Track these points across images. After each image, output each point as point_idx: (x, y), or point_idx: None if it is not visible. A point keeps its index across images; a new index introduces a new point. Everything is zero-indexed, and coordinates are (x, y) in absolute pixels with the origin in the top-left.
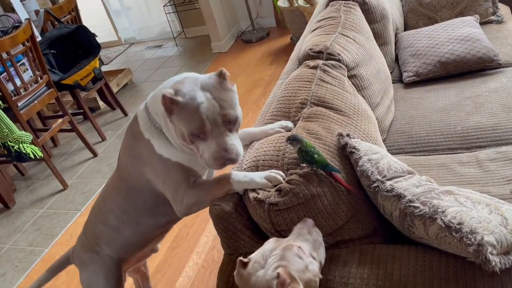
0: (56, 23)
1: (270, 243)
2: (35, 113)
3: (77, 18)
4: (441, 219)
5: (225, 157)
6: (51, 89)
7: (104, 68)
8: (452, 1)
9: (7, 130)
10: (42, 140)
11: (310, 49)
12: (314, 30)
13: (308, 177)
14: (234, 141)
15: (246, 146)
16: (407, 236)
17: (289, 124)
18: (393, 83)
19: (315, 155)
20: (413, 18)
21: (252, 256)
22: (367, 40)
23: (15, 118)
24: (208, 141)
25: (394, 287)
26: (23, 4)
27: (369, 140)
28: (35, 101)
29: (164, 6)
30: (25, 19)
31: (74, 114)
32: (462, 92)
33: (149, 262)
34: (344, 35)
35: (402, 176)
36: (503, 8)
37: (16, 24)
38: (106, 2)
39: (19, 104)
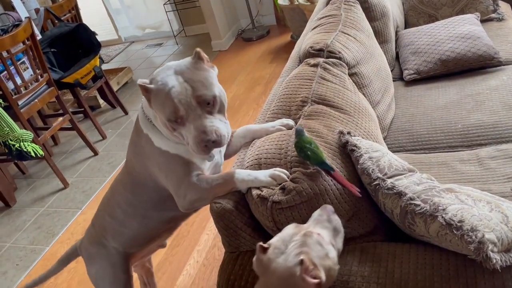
0: (56, 21)
1: (290, 228)
2: (36, 111)
3: (77, 16)
4: (442, 217)
5: (205, 139)
6: (52, 88)
7: (104, 67)
8: None
9: (7, 129)
10: (42, 138)
11: (311, 47)
12: (315, 28)
13: (312, 175)
14: (215, 122)
15: (247, 143)
16: (408, 234)
17: (290, 122)
18: (393, 81)
19: (309, 152)
20: (414, 16)
21: (272, 241)
22: (367, 38)
23: (15, 117)
24: (186, 126)
25: (395, 285)
26: (23, 3)
27: (370, 138)
28: (36, 100)
29: (164, 4)
30: (25, 18)
31: (74, 113)
32: (463, 90)
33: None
34: (345, 33)
35: (403, 174)
36: (503, 6)
37: (16, 23)
38: (106, 0)
39: (20, 102)
